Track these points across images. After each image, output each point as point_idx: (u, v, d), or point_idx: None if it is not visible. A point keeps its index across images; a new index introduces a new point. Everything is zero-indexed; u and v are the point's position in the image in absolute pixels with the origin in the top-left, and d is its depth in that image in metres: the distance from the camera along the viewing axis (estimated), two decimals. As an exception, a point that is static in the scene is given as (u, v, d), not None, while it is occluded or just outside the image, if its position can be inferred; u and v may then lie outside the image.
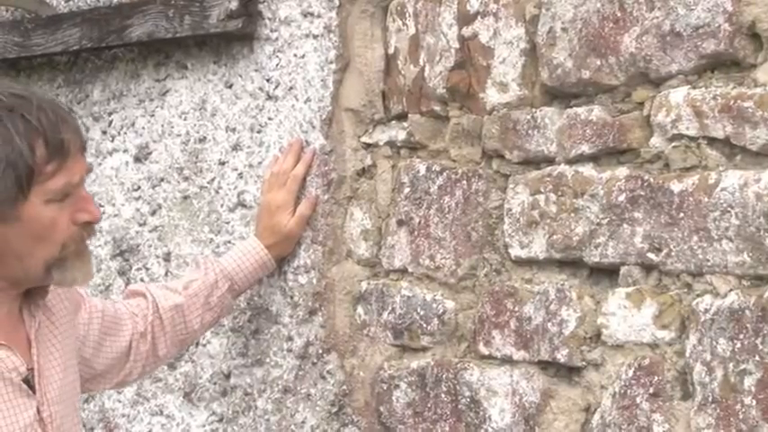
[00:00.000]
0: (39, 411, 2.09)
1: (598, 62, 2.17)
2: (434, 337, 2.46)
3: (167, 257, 2.96)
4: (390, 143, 2.58)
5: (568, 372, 2.22)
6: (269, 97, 2.76)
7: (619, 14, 2.14)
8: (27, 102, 2.02)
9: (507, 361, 2.31)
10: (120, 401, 3.04)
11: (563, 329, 2.21)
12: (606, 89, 2.18)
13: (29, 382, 2.09)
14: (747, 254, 1.94)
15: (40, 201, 2.01)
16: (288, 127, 2.72)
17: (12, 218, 2.00)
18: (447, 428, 2.40)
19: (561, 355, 2.21)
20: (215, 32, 2.80)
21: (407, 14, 2.53)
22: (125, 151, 3.06)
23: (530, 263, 2.30)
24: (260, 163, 2.78)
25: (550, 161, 2.26)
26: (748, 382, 1.93)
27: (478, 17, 2.38)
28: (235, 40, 2.81)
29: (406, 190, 2.52)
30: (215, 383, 2.86)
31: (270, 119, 2.76)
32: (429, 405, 2.44)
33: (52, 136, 2.00)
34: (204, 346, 2.86)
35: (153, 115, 3.01)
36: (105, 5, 3.07)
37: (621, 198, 2.12)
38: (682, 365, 2.04)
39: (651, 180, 2.08)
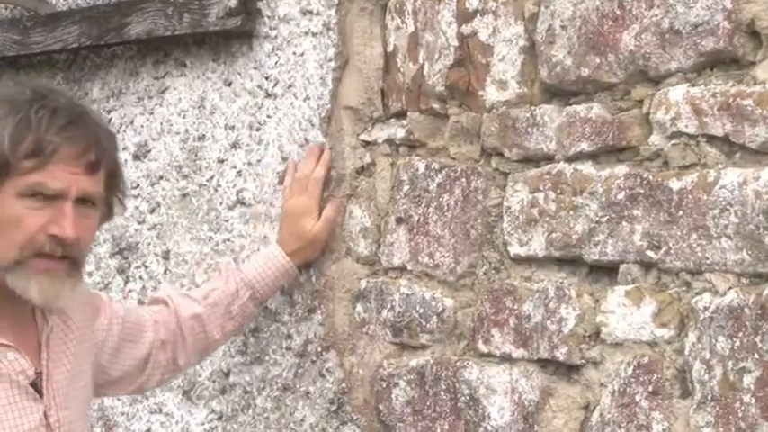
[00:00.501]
0: (46, 416, 2.08)
1: (597, 60, 2.17)
2: (434, 335, 2.45)
3: (166, 255, 2.96)
4: (389, 141, 2.58)
5: (568, 370, 2.22)
6: (268, 95, 2.76)
7: (618, 12, 2.13)
8: (41, 100, 2.03)
9: (506, 359, 2.31)
10: (119, 399, 3.04)
11: (562, 327, 2.20)
12: (605, 87, 2.17)
13: (36, 385, 2.08)
14: (746, 252, 1.94)
15: (12, 192, 2.01)
16: (287, 125, 2.72)
17: None
18: (446, 426, 2.40)
19: (560, 353, 2.21)
20: (214, 30, 2.79)
21: (406, 12, 2.52)
22: (124, 149, 3.05)
23: (529, 261, 2.30)
24: (259, 161, 2.77)
25: (550, 159, 2.26)
26: (747, 380, 1.93)
27: (478, 15, 2.38)
28: (234, 37, 2.81)
29: (406, 188, 2.52)
30: (214, 381, 2.85)
31: (269, 117, 2.76)
32: (428, 403, 2.43)
33: (44, 136, 2.00)
34: (203, 344, 2.87)
35: (152, 113, 3.01)
36: (104, 3, 3.07)
37: (621, 196, 2.12)
38: (681, 363, 2.04)
39: (650, 178, 2.08)
